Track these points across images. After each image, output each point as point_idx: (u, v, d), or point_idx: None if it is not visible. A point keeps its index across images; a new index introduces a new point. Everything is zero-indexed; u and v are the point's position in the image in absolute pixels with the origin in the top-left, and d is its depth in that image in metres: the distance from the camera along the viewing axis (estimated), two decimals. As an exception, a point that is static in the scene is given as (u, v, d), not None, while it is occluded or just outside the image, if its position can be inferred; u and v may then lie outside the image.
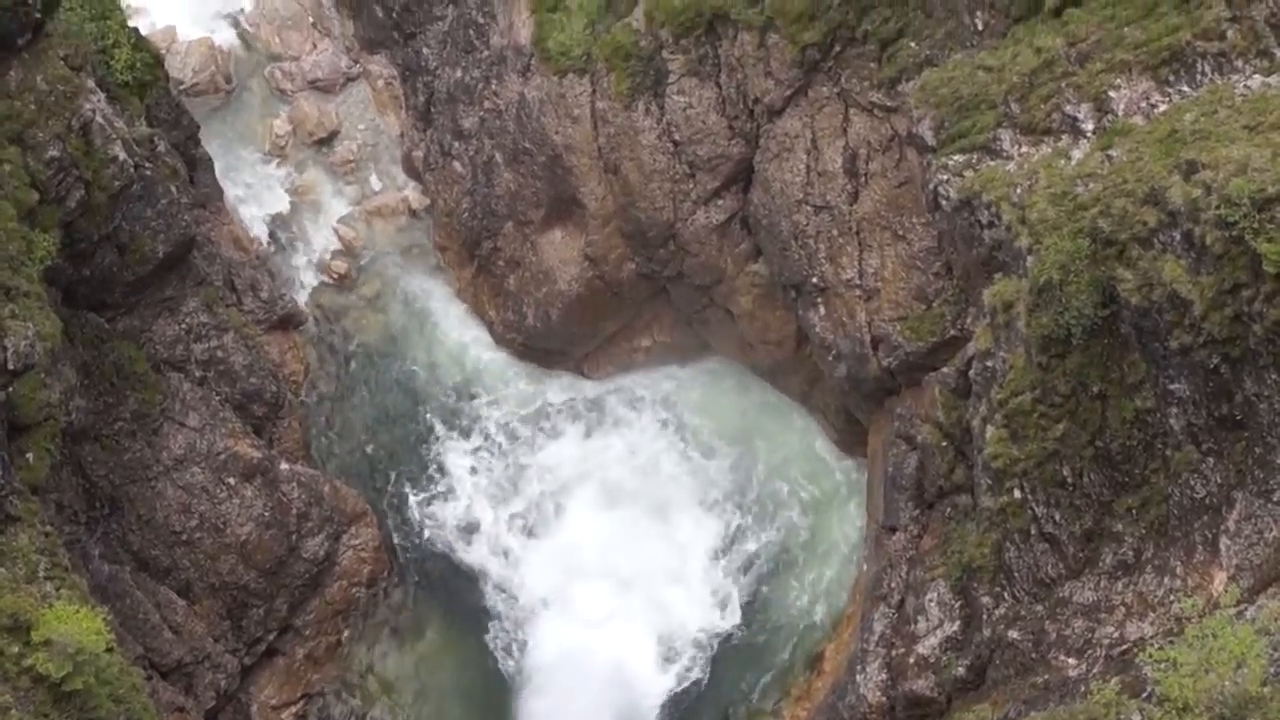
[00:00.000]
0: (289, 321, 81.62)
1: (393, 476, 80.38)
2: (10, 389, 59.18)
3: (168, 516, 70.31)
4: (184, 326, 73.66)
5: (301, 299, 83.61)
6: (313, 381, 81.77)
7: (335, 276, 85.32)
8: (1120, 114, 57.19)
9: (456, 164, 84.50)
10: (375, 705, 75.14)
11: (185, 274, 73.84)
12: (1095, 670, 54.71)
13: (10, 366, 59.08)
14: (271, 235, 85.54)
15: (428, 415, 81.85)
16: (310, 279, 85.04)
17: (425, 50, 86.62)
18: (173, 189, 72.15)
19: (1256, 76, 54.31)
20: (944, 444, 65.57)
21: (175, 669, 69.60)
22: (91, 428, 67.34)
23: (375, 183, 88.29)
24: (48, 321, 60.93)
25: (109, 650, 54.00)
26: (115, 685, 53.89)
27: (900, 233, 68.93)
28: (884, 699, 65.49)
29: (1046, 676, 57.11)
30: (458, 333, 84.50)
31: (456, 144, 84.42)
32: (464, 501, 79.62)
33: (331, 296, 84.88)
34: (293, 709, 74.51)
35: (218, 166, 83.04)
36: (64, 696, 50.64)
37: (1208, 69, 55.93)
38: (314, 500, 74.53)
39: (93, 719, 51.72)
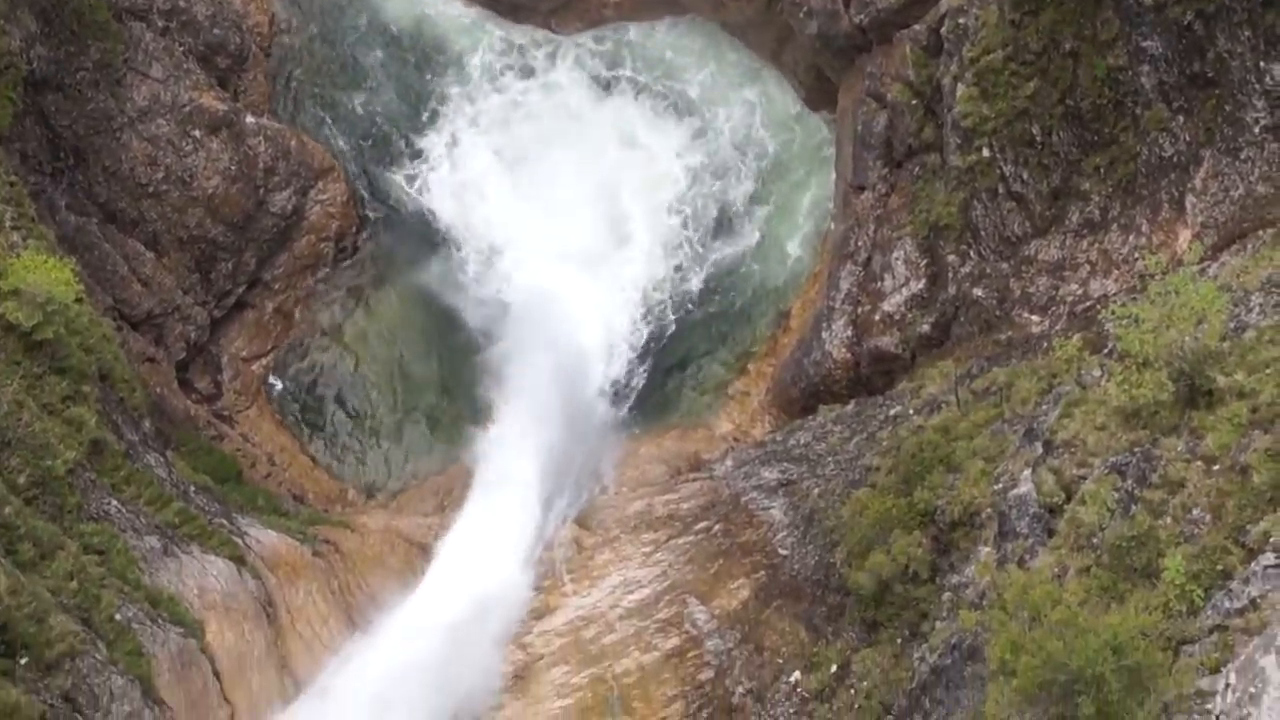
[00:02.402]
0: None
1: (359, 129, 79.65)
2: (-32, 37, 58.50)
3: (133, 169, 69.88)
4: (144, -26, 72.31)
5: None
6: (278, 34, 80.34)
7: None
8: None
9: None
10: (344, 357, 75.69)
11: (142, -81, 72.22)
12: (1058, 327, 55.32)
13: (-32, 14, 58.34)
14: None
15: (394, 66, 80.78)
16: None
17: None
18: None
19: None
20: (914, 102, 65.11)
21: (145, 320, 70.02)
22: (54, 77, 66.39)
23: None
24: (4, -35, 59.85)
25: (79, 300, 54.22)
26: (86, 335, 54.27)
27: (874, -119, 67.55)
28: (849, 355, 66.24)
29: (1010, 333, 57.74)
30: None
31: None
32: (429, 148, 79.06)
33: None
34: (262, 361, 75.17)
35: None
36: (35, 345, 50.99)
37: None
38: (281, 154, 74.11)
39: (64, 367, 52.17)
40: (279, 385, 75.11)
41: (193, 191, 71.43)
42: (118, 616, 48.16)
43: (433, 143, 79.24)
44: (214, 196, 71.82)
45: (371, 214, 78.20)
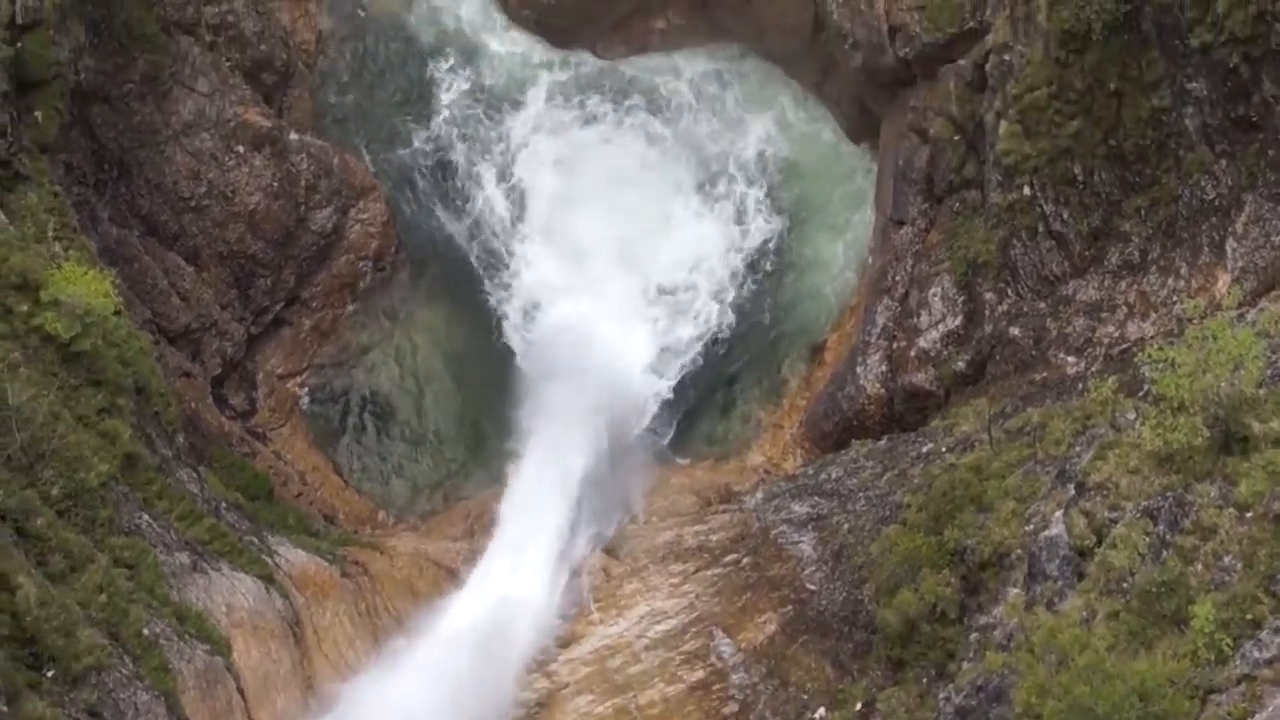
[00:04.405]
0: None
1: (404, 151, 79.76)
2: (19, 45, 58.75)
3: (176, 182, 70.18)
4: (193, -12, 72.63)
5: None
6: (324, 51, 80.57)
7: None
8: None
9: None
10: (379, 378, 75.73)
11: (193, -65, 72.60)
12: (1094, 369, 55.16)
13: (19, 21, 58.71)
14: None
15: (441, 88, 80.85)
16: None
17: None
18: None
19: None
20: (956, 138, 65.12)
21: (183, 335, 70.24)
22: (101, 89, 66.76)
23: None
24: (55, -23, 60.24)
25: (117, 313, 54.46)
26: (123, 348, 54.48)
27: (922, -83, 67.60)
28: (883, 391, 66.10)
29: (1045, 374, 57.58)
30: (472, 6, 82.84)
31: None
32: (473, 175, 79.09)
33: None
34: (298, 379, 75.23)
35: None
36: (72, 357, 51.21)
37: None
38: (323, 172, 74.27)
39: (101, 379, 52.37)
40: (313, 404, 75.18)
41: (234, 207, 71.67)
42: (145, 631, 48.18)
43: (476, 163, 79.21)
44: (255, 212, 72.04)
45: (411, 236, 78.19)
